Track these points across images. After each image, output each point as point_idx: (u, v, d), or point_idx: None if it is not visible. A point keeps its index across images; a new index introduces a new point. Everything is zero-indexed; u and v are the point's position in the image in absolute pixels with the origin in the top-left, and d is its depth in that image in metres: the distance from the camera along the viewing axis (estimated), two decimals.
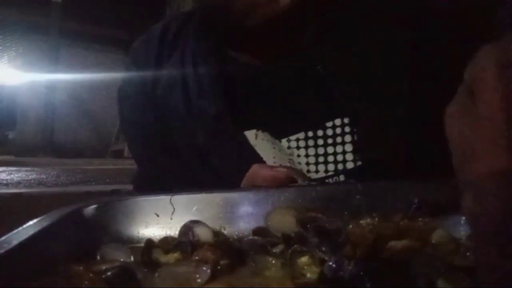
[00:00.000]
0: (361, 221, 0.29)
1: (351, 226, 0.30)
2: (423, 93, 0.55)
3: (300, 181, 0.44)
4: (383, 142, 0.56)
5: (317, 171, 0.56)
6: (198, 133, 0.59)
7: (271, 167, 0.44)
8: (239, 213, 0.40)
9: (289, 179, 0.42)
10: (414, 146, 0.55)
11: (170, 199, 0.39)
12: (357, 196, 0.39)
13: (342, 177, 0.56)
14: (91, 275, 0.27)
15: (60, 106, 7.72)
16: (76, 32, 7.96)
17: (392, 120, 0.55)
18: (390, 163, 0.55)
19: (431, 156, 0.56)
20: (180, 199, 0.40)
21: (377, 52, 0.56)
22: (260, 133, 0.58)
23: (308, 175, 0.56)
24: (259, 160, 0.57)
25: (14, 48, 9.27)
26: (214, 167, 0.59)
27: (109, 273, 0.27)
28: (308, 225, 0.34)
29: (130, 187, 0.75)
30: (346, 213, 0.37)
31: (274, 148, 0.58)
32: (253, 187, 0.44)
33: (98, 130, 8.32)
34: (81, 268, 0.27)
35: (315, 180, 0.56)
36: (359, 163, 0.55)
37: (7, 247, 0.27)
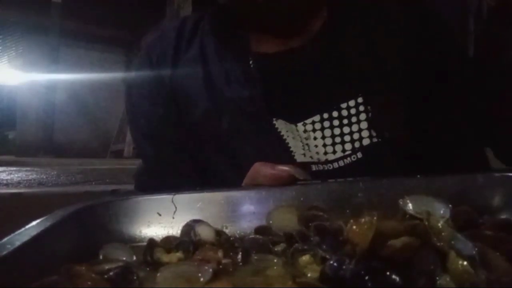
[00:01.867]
0: (361, 219, 0.29)
1: (350, 224, 0.30)
2: (429, 78, 0.58)
3: (301, 180, 0.44)
4: (396, 119, 0.57)
5: (334, 152, 0.58)
6: (224, 119, 0.61)
7: (273, 165, 0.44)
8: (241, 212, 0.40)
9: (291, 178, 0.42)
10: (425, 126, 0.57)
11: (172, 198, 0.39)
12: (359, 194, 0.39)
13: (359, 155, 0.57)
14: (93, 275, 0.27)
15: (60, 106, 7.72)
16: (76, 32, 7.97)
17: (403, 99, 0.57)
18: (404, 140, 0.57)
19: (440, 137, 0.58)
20: (182, 198, 0.40)
21: (386, 37, 0.59)
22: (274, 121, 0.60)
23: (326, 156, 0.58)
24: (285, 147, 0.59)
25: (14, 48, 9.28)
26: (234, 155, 0.60)
27: (111, 273, 0.27)
28: (310, 224, 0.34)
29: (130, 187, 0.75)
30: (348, 211, 0.37)
31: (288, 136, 0.59)
32: (255, 185, 0.44)
33: (98, 130, 8.33)
34: (83, 268, 0.27)
35: (333, 161, 0.58)
36: (375, 139, 0.57)
37: (10, 248, 0.27)
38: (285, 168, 0.43)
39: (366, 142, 0.57)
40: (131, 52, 8.43)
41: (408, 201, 0.33)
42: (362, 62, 0.58)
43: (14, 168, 3.77)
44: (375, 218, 0.28)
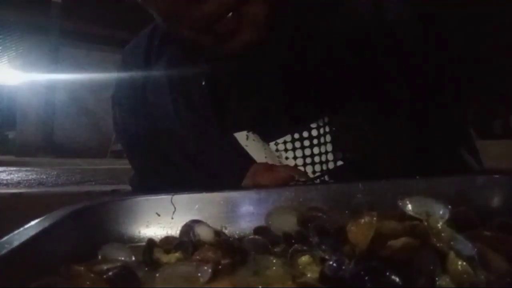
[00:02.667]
0: (360, 220, 0.29)
1: (349, 225, 0.30)
2: (397, 97, 0.55)
3: (301, 180, 0.44)
4: (358, 141, 0.56)
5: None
6: (189, 137, 0.59)
7: (272, 166, 0.44)
8: (240, 212, 0.40)
9: (290, 178, 0.42)
10: (390, 147, 0.55)
11: (171, 198, 0.39)
12: (358, 195, 0.39)
13: (326, 178, 0.56)
14: (92, 275, 0.27)
15: (60, 106, 7.73)
16: (76, 32, 7.97)
17: (366, 121, 0.55)
18: (368, 163, 0.55)
19: (408, 156, 0.56)
20: (181, 198, 0.40)
21: (352, 53, 0.54)
22: (251, 134, 0.58)
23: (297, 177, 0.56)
24: (250, 162, 0.57)
25: (14, 48, 9.28)
26: (207, 170, 0.59)
27: (110, 273, 0.27)
28: (309, 224, 0.34)
29: (129, 187, 0.75)
30: (347, 212, 0.37)
31: (265, 149, 0.58)
32: (254, 186, 0.44)
33: (98, 130, 8.32)
34: (82, 268, 0.27)
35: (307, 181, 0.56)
36: (339, 162, 0.55)
37: (9, 247, 0.27)
38: (284, 168, 0.43)
39: (331, 165, 0.56)
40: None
41: (407, 201, 0.33)
42: (325, 81, 0.55)
43: (14, 168, 3.78)
44: (374, 218, 0.28)
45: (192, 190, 0.41)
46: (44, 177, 3.00)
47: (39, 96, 7.62)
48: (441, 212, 0.32)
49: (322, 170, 0.56)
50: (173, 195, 0.40)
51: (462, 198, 0.37)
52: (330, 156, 0.56)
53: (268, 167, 0.44)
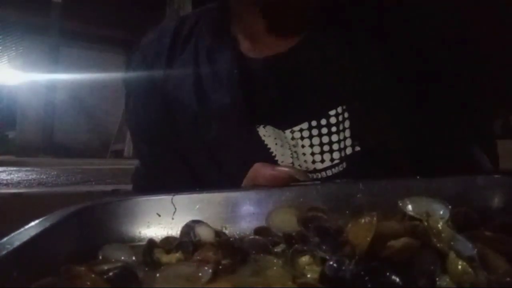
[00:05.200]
0: (360, 220, 0.29)
1: (350, 225, 0.30)
2: (416, 86, 0.56)
3: (301, 180, 0.44)
4: (378, 128, 0.56)
5: (322, 161, 0.57)
6: (212, 126, 0.60)
7: (273, 166, 0.44)
8: (240, 212, 0.40)
9: (290, 179, 0.42)
10: (409, 135, 0.56)
11: (172, 199, 0.39)
12: (359, 195, 0.39)
13: (344, 165, 0.56)
14: (93, 275, 0.27)
15: (60, 106, 7.73)
16: (76, 32, 7.97)
17: (386, 108, 0.56)
18: (387, 150, 0.56)
19: (426, 145, 0.57)
20: (182, 199, 0.40)
21: (369, 44, 0.57)
22: (262, 128, 0.59)
23: (314, 165, 0.57)
24: (268, 155, 0.58)
25: (14, 48, 9.27)
26: (221, 163, 0.60)
27: (111, 273, 0.27)
28: (309, 225, 0.34)
29: (130, 187, 0.75)
30: (347, 212, 0.37)
31: (276, 144, 0.59)
32: (255, 186, 0.44)
33: (98, 130, 8.33)
34: (83, 268, 0.27)
35: (321, 170, 0.57)
36: (357, 148, 0.55)
37: (9, 248, 0.27)
38: (284, 169, 0.43)
39: (349, 151, 0.56)
40: (131, 52, 8.41)
41: (407, 202, 0.33)
42: (345, 69, 0.56)
43: (14, 168, 3.78)
44: (375, 219, 0.28)
45: (192, 191, 0.41)
46: (44, 177, 3.00)
47: (39, 96, 7.61)
48: (441, 213, 0.32)
49: (341, 157, 0.56)
50: (173, 195, 0.40)
51: (462, 198, 0.37)
52: (348, 142, 0.56)
53: (269, 167, 0.44)
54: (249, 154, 0.57)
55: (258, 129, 0.59)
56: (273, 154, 0.58)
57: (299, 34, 0.59)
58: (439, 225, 0.30)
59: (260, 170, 0.44)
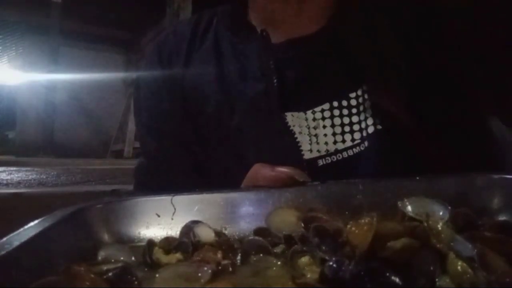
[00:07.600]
0: (360, 220, 0.29)
1: (349, 225, 0.30)
2: (432, 68, 0.57)
3: (301, 181, 0.44)
4: (398, 107, 0.57)
5: (343, 141, 0.58)
6: (236, 114, 0.61)
7: (272, 167, 0.44)
8: (240, 213, 0.40)
9: (290, 179, 0.42)
10: (429, 115, 0.56)
11: (171, 199, 0.39)
12: (358, 196, 0.39)
13: (366, 143, 0.57)
14: (92, 275, 0.27)
15: (60, 106, 7.74)
16: (76, 32, 7.98)
17: (404, 89, 0.57)
18: (406, 127, 0.56)
19: (444, 126, 0.57)
20: (181, 199, 0.40)
21: (389, 29, 0.58)
22: (290, 115, 0.59)
23: (335, 146, 0.58)
24: (293, 142, 0.58)
25: (14, 48, 9.28)
26: (241, 154, 0.60)
27: (110, 274, 0.27)
28: (309, 225, 0.34)
29: (130, 187, 0.75)
30: (347, 212, 0.37)
31: (299, 132, 0.59)
32: (254, 187, 0.44)
33: (98, 130, 8.33)
34: (82, 268, 0.27)
35: (342, 150, 0.57)
36: (378, 127, 0.56)
37: (9, 248, 0.27)
38: (284, 169, 0.43)
39: (370, 130, 0.57)
40: (131, 52, 8.43)
41: (407, 202, 0.33)
42: (365, 52, 0.58)
43: (14, 168, 3.78)
44: (374, 219, 0.28)
45: (192, 191, 0.41)
46: (44, 177, 3.00)
47: (39, 96, 7.62)
48: (441, 213, 0.32)
49: (361, 137, 0.57)
50: (173, 196, 0.40)
51: (462, 199, 0.37)
52: (370, 121, 0.57)
53: (269, 168, 0.44)
54: (275, 142, 0.59)
55: (286, 116, 0.59)
56: (297, 140, 0.59)
57: (321, 18, 0.61)
58: (439, 226, 0.30)
59: (260, 170, 0.44)
